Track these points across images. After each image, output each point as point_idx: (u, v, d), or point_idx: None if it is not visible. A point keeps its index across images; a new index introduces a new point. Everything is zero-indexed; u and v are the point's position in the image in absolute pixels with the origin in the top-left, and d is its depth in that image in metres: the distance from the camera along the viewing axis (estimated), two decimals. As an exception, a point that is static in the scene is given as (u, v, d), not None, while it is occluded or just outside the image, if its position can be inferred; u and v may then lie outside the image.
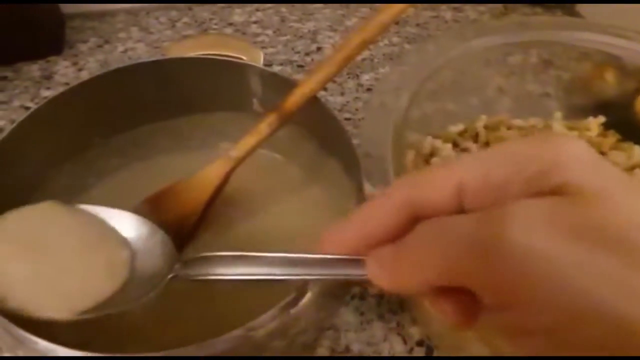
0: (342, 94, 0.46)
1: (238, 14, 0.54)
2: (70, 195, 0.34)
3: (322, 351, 0.30)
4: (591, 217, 0.12)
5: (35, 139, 0.30)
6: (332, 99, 0.45)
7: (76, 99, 0.32)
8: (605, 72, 0.43)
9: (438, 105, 0.44)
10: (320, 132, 0.32)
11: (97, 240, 0.24)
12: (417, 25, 0.56)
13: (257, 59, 0.33)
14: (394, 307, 0.32)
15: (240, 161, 0.29)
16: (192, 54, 0.33)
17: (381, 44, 0.53)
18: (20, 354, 0.21)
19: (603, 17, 0.58)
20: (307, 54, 0.50)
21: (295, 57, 0.50)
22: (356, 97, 0.46)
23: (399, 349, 0.31)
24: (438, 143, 0.36)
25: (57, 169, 0.33)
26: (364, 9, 0.57)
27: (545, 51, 0.44)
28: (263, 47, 0.50)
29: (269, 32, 0.53)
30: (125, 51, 0.48)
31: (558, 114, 0.41)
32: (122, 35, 0.50)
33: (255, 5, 0.55)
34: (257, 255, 0.19)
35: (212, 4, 0.55)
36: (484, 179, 0.14)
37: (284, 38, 0.52)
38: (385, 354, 0.30)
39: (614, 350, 0.11)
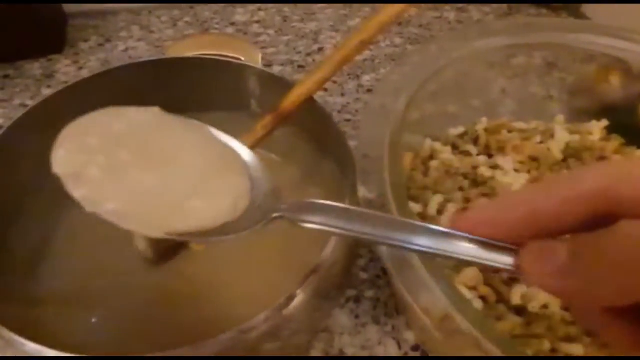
0: (343, 94, 0.46)
1: (240, 13, 0.54)
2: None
3: (315, 354, 0.30)
4: None
5: (32, 137, 0.30)
6: (332, 100, 0.45)
7: (74, 97, 0.32)
8: (611, 75, 0.42)
9: (439, 107, 0.43)
10: (318, 133, 0.32)
11: (222, 163, 0.22)
12: (420, 26, 0.56)
13: (255, 59, 0.33)
14: (389, 310, 0.32)
15: (236, 162, 0.29)
16: (191, 54, 0.33)
17: (383, 44, 0.52)
18: (10, 355, 0.21)
19: (609, 18, 0.58)
20: (308, 55, 0.50)
21: (297, 58, 0.49)
22: (357, 99, 0.45)
23: (394, 354, 0.30)
24: (437, 145, 0.36)
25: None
26: (367, 8, 0.57)
27: (549, 53, 0.44)
28: (264, 48, 0.50)
29: (271, 32, 0.52)
30: (126, 50, 0.48)
31: (560, 117, 0.40)
32: (123, 34, 0.50)
33: (258, 5, 0.55)
34: (376, 215, 0.17)
35: (214, 4, 0.55)
36: None
37: (286, 38, 0.52)
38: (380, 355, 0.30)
39: None
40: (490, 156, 0.37)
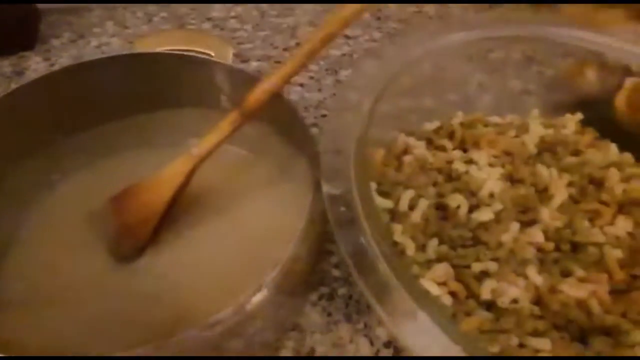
0: (320, 90, 0.45)
1: (217, 9, 0.54)
2: (34, 192, 0.33)
3: (285, 353, 0.30)
4: None
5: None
6: (309, 95, 0.44)
7: (39, 93, 0.31)
8: (586, 68, 0.42)
9: (415, 102, 0.43)
10: (287, 128, 0.31)
11: None
12: (400, 20, 0.55)
13: (226, 55, 0.33)
14: (362, 307, 0.32)
15: (202, 159, 0.28)
16: (159, 49, 0.32)
17: (362, 39, 0.52)
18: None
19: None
20: (285, 50, 0.49)
21: (274, 53, 0.49)
22: (334, 94, 0.45)
23: (366, 351, 0.30)
24: (411, 140, 0.35)
25: (19, 165, 0.32)
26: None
27: (528, 47, 0.43)
28: (240, 43, 0.50)
29: (248, 27, 0.52)
30: (99, 46, 0.47)
31: (535, 111, 0.40)
32: (96, 30, 0.49)
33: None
34: None
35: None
36: None
37: (263, 33, 0.51)
38: (351, 354, 0.30)
39: None
40: (465, 151, 0.37)
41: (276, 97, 0.27)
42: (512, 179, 0.34)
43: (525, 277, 0.28)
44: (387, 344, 0.30)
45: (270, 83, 0.26)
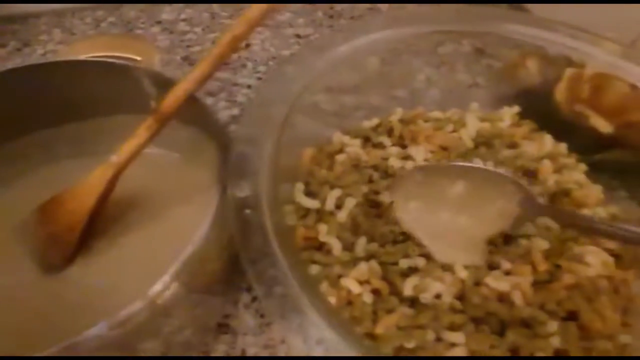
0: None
1: (167, 11, 0.53)
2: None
3: (217, 355, 0.30)
4: None
5: None
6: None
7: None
8: (528, 60, 0.42)
9: (360, 99, 0.43)
10: (214, 132, 0.31)
11: None
12: (352, 18, 0.55)
13: (153, 60, 0.33)
14: (298, 306, 0.32)
15: (123, 166, 0.28)
16: (85, 56, 0.32)
17: (313, 37, 0.52)
18: None
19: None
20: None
21: (222, 55, 0.48)
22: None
23: (298, 350, 0.30)
24: (346, 139, 0.35)
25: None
26: (297, 4, 0.56)
27: (478, 41, 0.44)
28: (189, 46, 0.49)
29: (198, 29, 0.52)
30: (44, 54, 0.47)
31: (474, 105, 0.40)
32: (43, 37, 0.49)
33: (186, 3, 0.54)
34: None
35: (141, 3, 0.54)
36: None
37: (213, 35, 0.51)
38: (282, 355, 0.30)
39: None
40: (404, 147, 0.37)
41: (192, 101, 0.27)
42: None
43: (453, 272, 0.29)
44: (320, 341, 0.30)
45: (182, 88, 0.26)
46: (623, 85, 0.36)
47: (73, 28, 0.50)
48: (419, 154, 0.35)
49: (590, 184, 0.34)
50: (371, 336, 0.26)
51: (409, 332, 0.25)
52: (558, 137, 0.38)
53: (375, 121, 0.39)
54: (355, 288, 0.27)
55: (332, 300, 0.27)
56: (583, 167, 0.35)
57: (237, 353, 0.30)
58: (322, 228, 0.29)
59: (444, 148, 0.36)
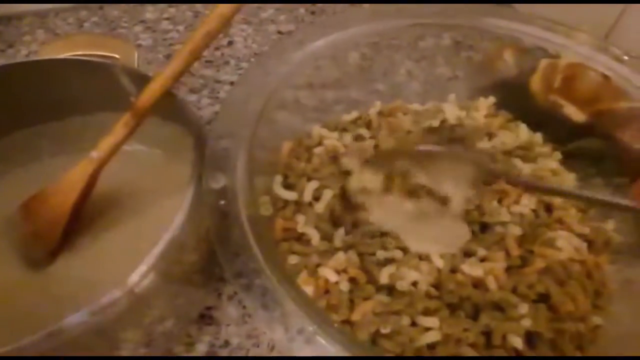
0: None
1: (150, 11, 0.54)
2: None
3: (202, 346, 0.30)
4: None
5: None
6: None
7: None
8: (505, 52, 0.43)
9: (340, 93, 0.44)
10: (195, 128, 0.32)
11: None
12: (335, 13, 0.56)
13: (131, 58, 0.33)
14: (279, 296, 0.32)
15: (103, 162, 0.29)
16: (63, 55, 0.32)
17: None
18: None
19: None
20: (217, 49, 0.50)
21: (205, 52, 0.49)
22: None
23: (279, 338, 0.31)
24: (324, 132, 0.36)
25: None
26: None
27: (458, 34, 0.44)
28: (172, 45, 0.50)
29: (181, 27, 0.52)
30: (28, 55, 0.47)
31: (452, 96, 0.41)
32: (27, 38, 0.49)
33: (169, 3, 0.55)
34: None
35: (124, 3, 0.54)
36: None
37: (196, 33, 0.51)
38: (265, 344, 0.30)
39: None
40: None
41: (168, 96, 0.28)
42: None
43: (430, 261, 0.29)
44: (300, 331, 0.31)
45: (157, 84, 0.27)
46: (596, 75, 0.37)
47: (56, 28, 0.51)
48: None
49: (565, 172, 0.35)
50: (348, 322, 0.27)
51: (385, 317, 0.26)
52: (533, 127, 0.38)
53: (354, 114, 0.39)
54: (333, 277, 0.27)
55: (310, 289, 0.27)
56: (558, 155, 0.36)
57: (220, 343, 0.30)
58: (301, 219, 0.30)
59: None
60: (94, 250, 0.32)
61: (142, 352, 0.26)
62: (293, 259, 0.29)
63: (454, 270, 0.29)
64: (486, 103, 0.39)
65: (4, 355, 0.21)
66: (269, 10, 0.55)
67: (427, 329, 0.26)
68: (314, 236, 0.30)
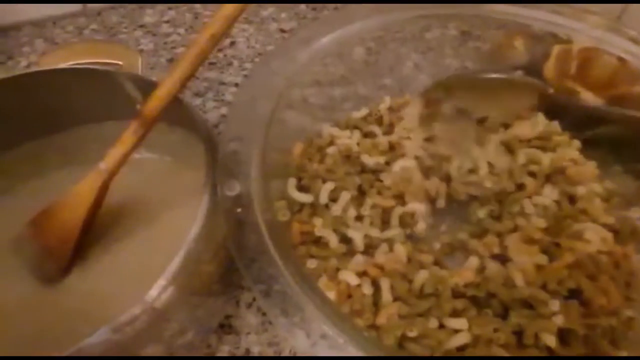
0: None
1: (149, 14, 0.53)
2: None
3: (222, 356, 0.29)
4: None
5: None
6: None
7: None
8: (515, 40, 0.42)
9: (349, 90, 0.43)
10: (203, 133, 0.31)
11: None
12: (336, 9, 0.55)
13: (135, 64, 0.32)
14: (299, 301, 0.32)
15: (112, 173, 0.28)
16: (65, 65, 0.32)
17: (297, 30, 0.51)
18: None
19: None
20: (219, 50, 0.49)
21: (207, 54, 0.48)
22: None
23: (302, 344, 0.30)
24: (335, 131, 0.35)
25: None
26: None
27: (463, 23, 0.43)
28: (174, 47, 0.49)
29: (181, 30, 0.51)
30: (28, 65, 0.47)
31: (463, 88, 0.40)
32: (26, 49, 0.48)
33: (168, 4, 0.54)
34: None
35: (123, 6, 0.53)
36: None
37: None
38: (287, 352, 0.30)
39: None
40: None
41: (176, 102, 0.27)
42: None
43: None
44: (324, 336, 0.30)
45: (164, 90, 0.26)
46: (611, 58, 0.36)
47: (55, 37, 0.50)
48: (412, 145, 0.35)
49: (585, 161, 0.34)
50: (374, 327, 0.26)
51: (411, 320, 0.25)
52: (549, 115, 0.37)
53: (364, 111, 0.38)
54: (353, 280, 0.27)
55: (332, 294, 0.26)
56: (577, 144, 0.35)
57: (241, 353, 0.29)
58: (318, 222, 0.29)
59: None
60: (107, 264, 0.31)
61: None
62: (312, 263, 0.28)
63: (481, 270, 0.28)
64: (500, 93, 0.38)
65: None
66: (270, 8, 0.54)
67: (456, 331, 0.25)
68: (332, 239, 0.29)
